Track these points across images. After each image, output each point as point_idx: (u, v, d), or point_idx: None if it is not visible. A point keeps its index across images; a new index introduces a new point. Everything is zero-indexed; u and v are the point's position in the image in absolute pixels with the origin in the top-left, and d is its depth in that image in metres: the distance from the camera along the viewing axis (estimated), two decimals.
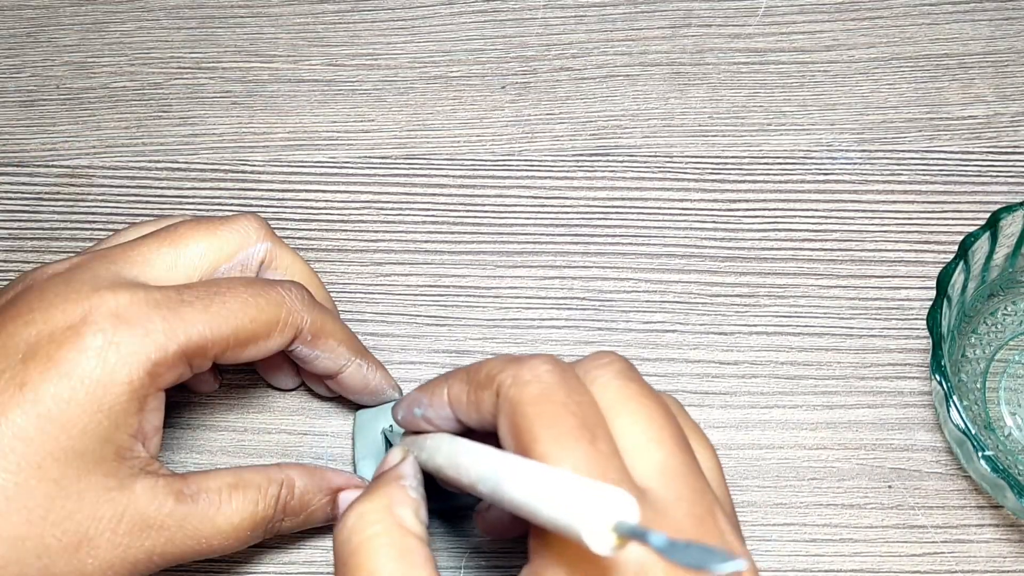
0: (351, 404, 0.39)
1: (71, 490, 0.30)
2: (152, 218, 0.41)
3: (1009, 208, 0.38)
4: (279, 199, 0.44)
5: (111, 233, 0.39)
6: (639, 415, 0.28)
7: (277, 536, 0.38)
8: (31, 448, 0.30)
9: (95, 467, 0.30)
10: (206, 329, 0.32)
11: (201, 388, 0.39)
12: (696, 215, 0.44)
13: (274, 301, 0.33)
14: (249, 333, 0.33)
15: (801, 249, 0.43)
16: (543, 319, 0.42)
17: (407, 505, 0.29)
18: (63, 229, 0.44)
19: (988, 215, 0.38)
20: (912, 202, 0.44)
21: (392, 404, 0.38)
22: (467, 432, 0.31)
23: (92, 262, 0.33)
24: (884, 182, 0.44)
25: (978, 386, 0.40)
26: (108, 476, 0.31)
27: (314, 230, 0.44)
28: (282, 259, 0.37)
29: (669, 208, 0.44)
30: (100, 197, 0.44)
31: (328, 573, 0.38)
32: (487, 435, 0.30)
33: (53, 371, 0.30)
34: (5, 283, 0.39)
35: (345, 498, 0.36)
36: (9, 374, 0.30)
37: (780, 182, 0.44)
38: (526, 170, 0.45)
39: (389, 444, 0.37)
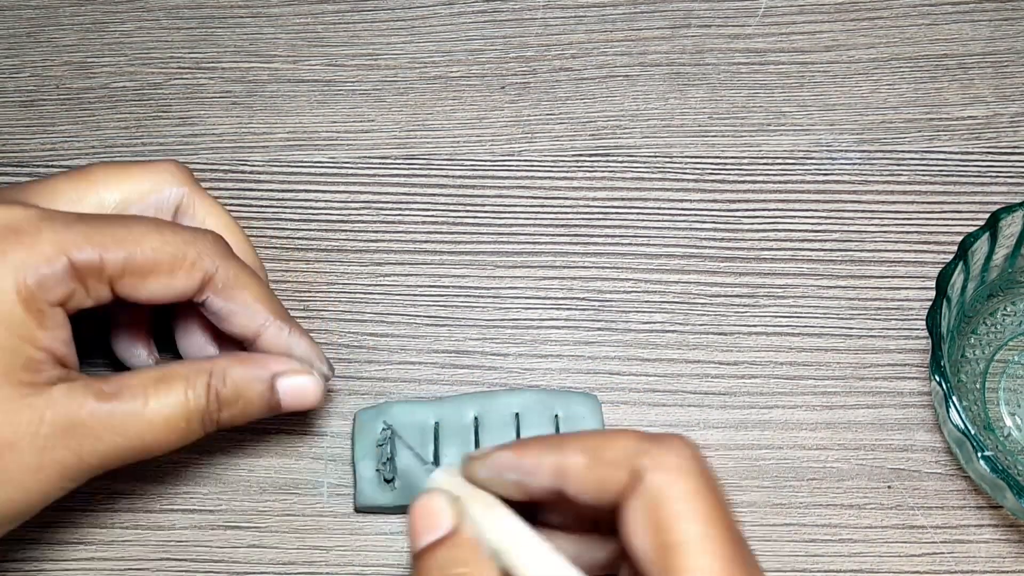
0: (351, 404, 0.39)
1: None
2: None
3: (1009, 208, 0.38)
4: (278, 199, 0.44)
5: None
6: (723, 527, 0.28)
7: (274, 533, 0.38)
8: None
9: (6, 377, 0.30)
10: (99, 246, 0.31)
11: (133, 363, 0.38)
12: (696, 215, 0.44)
13: (181, 239, 0.33)
14: (148, 261, 0.32)
15: (801, 249, 0.43)
16: (543, 319, 0.42)
17: None
18: None
19: (988, 215, 0.38)
20: (912, 202, 0.44)
21: (389, 404, 0.39)
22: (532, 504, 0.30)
23: None
24: (884, 182, 0.44)
25: (977, 386, 0.40)
26: (22, 385, 0.30)
27: (314, 230, 0.44)
28: (200, 206, 0.36)
29: (669, 208, 0.44)
30: None
31: (327, 574, 0.38)
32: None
33: None
34: None
35: (285, 383, 0.34)
36: None
37: (780, 182, 0.44)
38: (526, 170, 0.45)
39: (388, 445, 0.37)
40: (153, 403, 0.32)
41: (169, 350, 0.39)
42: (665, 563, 0.26)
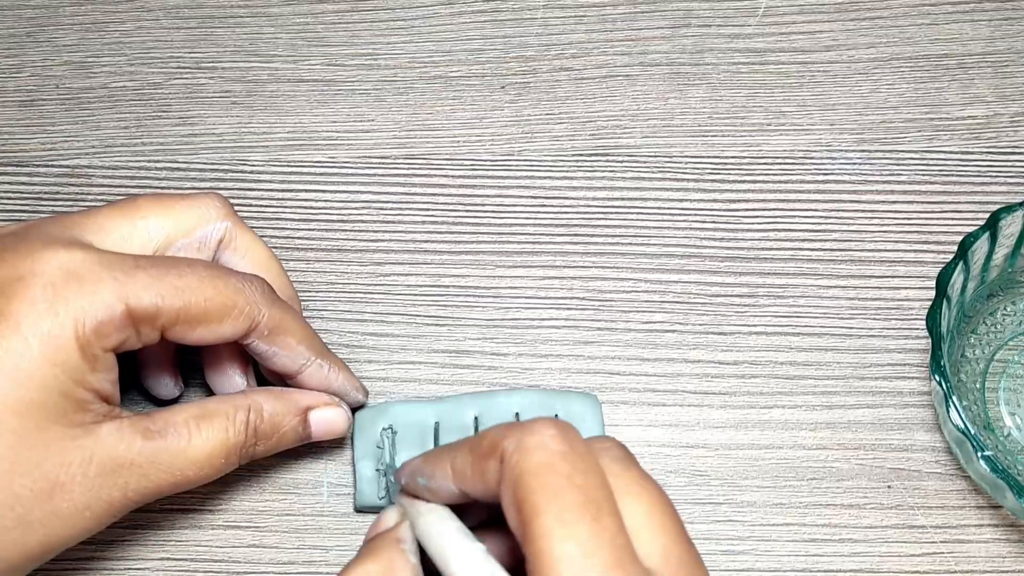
0: None
1: (34, 441, 0.30)
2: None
3: (1008, 208, 0.38)
4: (279, 199, 0.44)
5: None
6: (642, 499, 0.28)
7: (274, 533, 0.38)
8: None
9: (57, 418, 0.31)
10: (156, 296, 0.32)
11: (161, 392, 0.39)
12: (696, 215, 0.44)
13: (232, 287, 0.33)
14: (200, 311, 0.33)
15: (801, 249, 0.43)
16: (543, 319, 0.42)
17: (407, 571, 0.30)
18: None
19: (988, 215, 0.38)
20: (912, 202, 0.44)
21: (389, 404, 0.39)
22: (473, 503, 0.30)
23: (46, 223, 0.33)
24: (884, 182, 0.44)
25: (977, 386, 0.40)
26: (72, 426, 0.31)
27: (314, 230, 0.44)
28: (241, 240, 0.37)
29: (669, 208, 0.44)
30: (100, 197, 0.44)
31: (327, 573, 0.38)
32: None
33: (3, 325, 0.30)
34: None
35: (316, 416, 0.36)
36: None
37: (780, 182, 0.44)
38: (526, 170, 0.45)
39: (387, 444, 0.37)
40: (196, 440, 0.33)
41: (194, 376, 0.40)
42: (524, 534, 0.26)
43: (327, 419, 0.37)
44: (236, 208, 0.44)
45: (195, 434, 0.33)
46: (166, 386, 0.38)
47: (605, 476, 0.27)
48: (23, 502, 0.30)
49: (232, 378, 0.37)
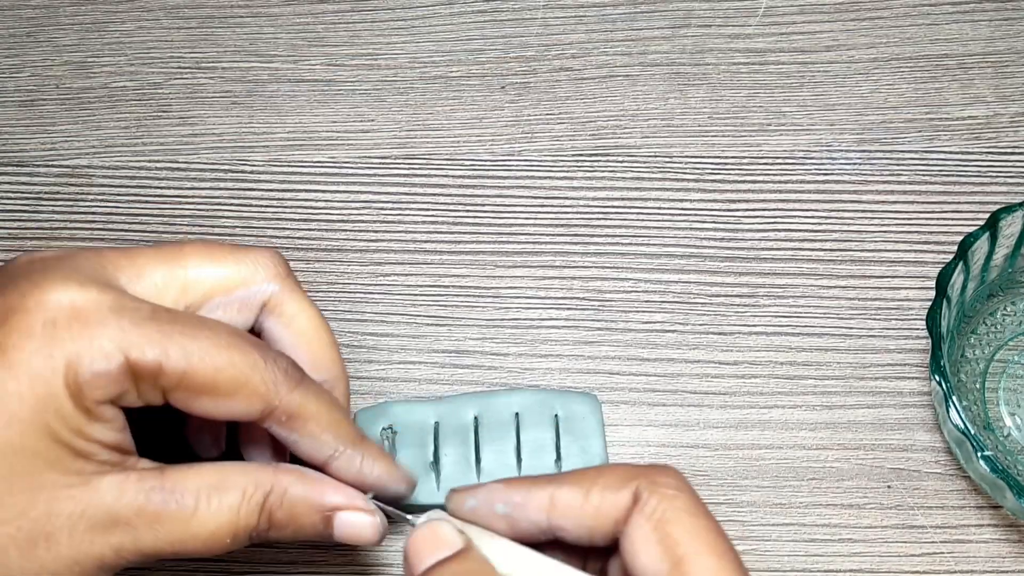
0: (351, 404, 0.39)
1: (21, 486, 0.28)
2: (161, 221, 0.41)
3: (1008, 208, 0.38)
4: (279, 199, 0.44)
5: (110, 232, 0.39)
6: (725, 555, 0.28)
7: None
8: None
9: (49, 465, 0.28)
10: (160, 353, 0.29)
11: (198, 450, 0.36)
12: (696, 215, 0.44)
13: (248, 363, 0.30)
14: (207, 380, 0.29)
15: (801, 249, 0.43)
16: (543, 319, 0.42)
17: None
18: (63, 229, 0.44)
19: (988, 215, 0.38)
20: (912, 202, 0.44)
21: (389, 404, 0.39)
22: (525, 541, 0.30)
23: (82, 255, 0.31)
24: (884, 182, 0.44)
25: (977, 386, 0.40)
26: (67, 474, 0.29)
27: (314, 230, 0.44)
28: (289, 306, 0.33)
29: (669, 208, 0.44)
30: (100, 197, 0.44)
31: (328, 573, 0.38)
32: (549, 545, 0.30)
33: (1, 359, 0.28)
34: None
35: (343, 519, 0.32)
36: None
37: (780, 182, 0.44)
38: (526, 170, 0.45)
39: (387, 444, 0.37)
40: (203, 513, 0.30)
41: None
42: (678, 574, 0.27)
43: (354, 524, 0.32)
44: (236, 208, 0.44)
45: (203, 506, 0.30)
46: (203, 444, 0.35)
47: None
48: (5, 550, 0.28)
49: (261, 446, 0.34)
